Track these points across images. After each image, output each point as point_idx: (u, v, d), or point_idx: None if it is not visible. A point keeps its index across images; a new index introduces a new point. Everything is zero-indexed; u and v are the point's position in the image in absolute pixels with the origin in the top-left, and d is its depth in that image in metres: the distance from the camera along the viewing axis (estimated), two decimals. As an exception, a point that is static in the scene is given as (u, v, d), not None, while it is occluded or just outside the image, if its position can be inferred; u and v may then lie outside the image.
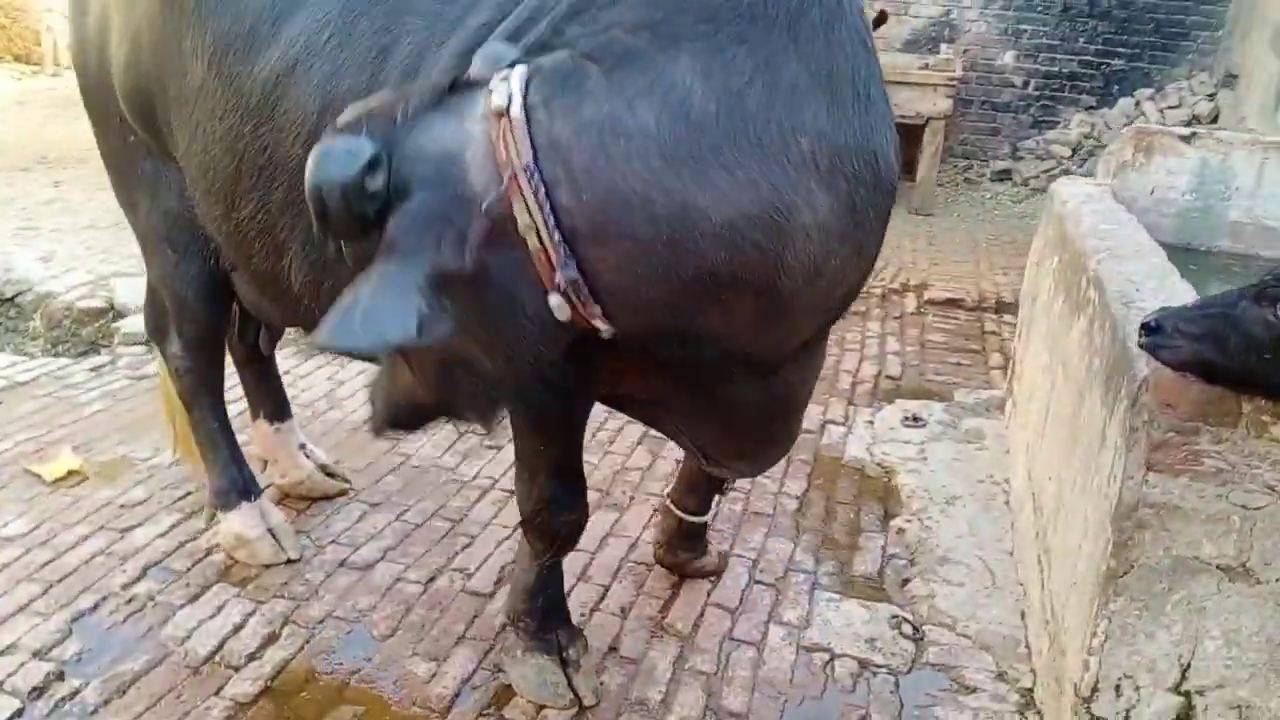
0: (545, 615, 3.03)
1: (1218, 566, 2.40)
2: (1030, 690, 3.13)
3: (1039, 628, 3.22)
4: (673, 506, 3.50)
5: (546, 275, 1.96)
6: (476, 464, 4.34)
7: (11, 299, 5.92)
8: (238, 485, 3.57)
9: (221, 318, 3.41)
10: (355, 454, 4.34)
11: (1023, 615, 3.46)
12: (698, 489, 3.45)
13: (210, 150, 2.76)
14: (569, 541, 2.95)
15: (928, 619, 3.47)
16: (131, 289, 5.93)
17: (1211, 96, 10.19)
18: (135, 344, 5.38)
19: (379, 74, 2.43)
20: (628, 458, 4.50)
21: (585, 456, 2.93)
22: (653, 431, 3.81)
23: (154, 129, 2.97)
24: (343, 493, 4.03)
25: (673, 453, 4.40)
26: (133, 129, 3.06)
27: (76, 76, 3.22)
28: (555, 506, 2.86)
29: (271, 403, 3.90)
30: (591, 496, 3.07)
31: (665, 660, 3.20)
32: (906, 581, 3.70)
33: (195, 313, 3.32)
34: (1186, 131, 4.51)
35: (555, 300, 2.00)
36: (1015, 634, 3.38)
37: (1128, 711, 2.57)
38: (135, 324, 5.46)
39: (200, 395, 3.51)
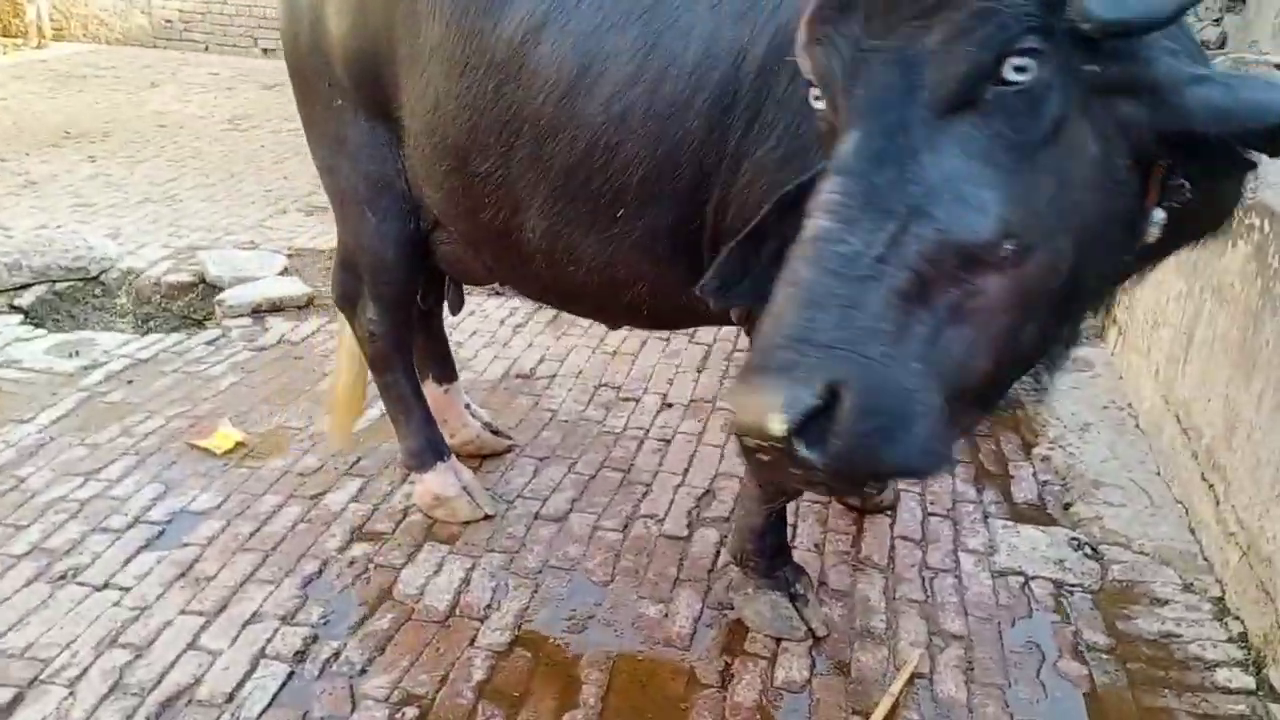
0: (774, 555, 3.17)
1: None
2: (1220, 599, 3.33)
3: (1219, 541, 3.43)
4: None
5: None
6: (621, 416, 4.46)
7: (96, 277, 5.89)
8: (433, 445, 3.66)
9: (418, 279, 3.46)
10: (503, 411, 4.43)
11: (1192, 531, 3.67)
12: None
13: (444, 107, 2.81)
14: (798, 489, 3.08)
15: (1103, 539, 3.66)
16: (223, 262, 5.93)
17: (1218, 21, 10.38)
18: (239, 315, 5.40)
19: (644, 35, 2.50)
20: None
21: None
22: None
23: (377, 90, 3.00)
24: (509, 449, 4.13)
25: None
26: (343, 94, 3.09)
27: (285, 48, 3.23)
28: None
29: (440, 364, 3.98)
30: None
31: (875, 591, 3.36)
32: (1069, 505, 3.89)
33: (395, 273, 3.37)
34: (1284, 61, 4.66)
35: None
36: (1190, 548, 3.59)
37: (1356, 609, 2.77)
38: (238, 296, 5.51)
39: (394, 359, 3.58)
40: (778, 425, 1.38)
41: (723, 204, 2.56)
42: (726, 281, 2.02)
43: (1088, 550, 3.61)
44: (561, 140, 2.65)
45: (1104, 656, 3.10)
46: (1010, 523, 3.77)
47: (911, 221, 1.47)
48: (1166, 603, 3.36)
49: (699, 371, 4.89)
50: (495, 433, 4.13)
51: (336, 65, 3.04)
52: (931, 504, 3.87)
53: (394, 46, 2.89)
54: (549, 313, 5.41)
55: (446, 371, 4.01)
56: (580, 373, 4.85)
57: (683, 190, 2.59)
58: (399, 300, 3.49)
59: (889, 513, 3.78)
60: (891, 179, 1.49)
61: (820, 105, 1.71)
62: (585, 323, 5.24)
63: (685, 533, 3.64)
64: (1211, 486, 3.58)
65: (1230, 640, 3.16)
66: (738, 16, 2.42)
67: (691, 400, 4.61)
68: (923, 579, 3.44)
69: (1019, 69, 1.49)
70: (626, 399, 4.61)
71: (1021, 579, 3.46)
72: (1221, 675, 3.03)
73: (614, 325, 3.48)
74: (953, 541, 3.65)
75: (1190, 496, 3.76)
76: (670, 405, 4.56)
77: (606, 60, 2.55)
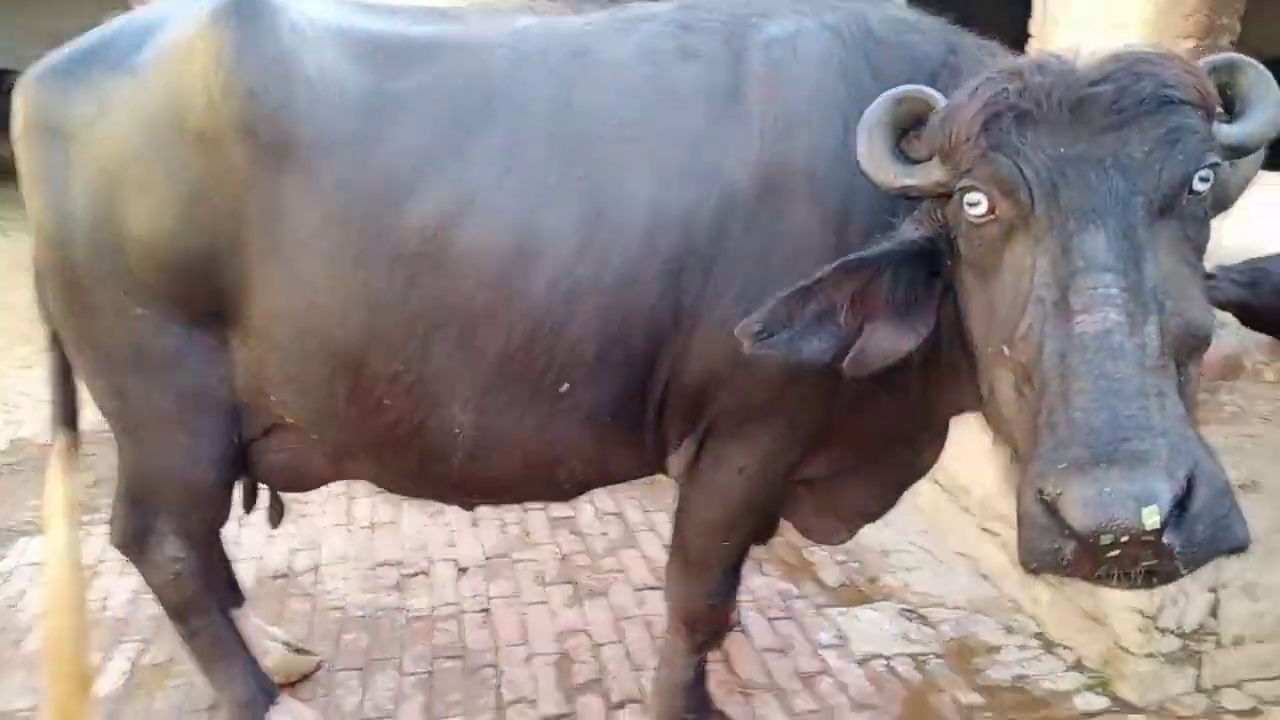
0: (703, 704, 3.06)
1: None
2: (1041, 634, 3.78)
3: (1023, 583, 3.88)
4: None
5: None
6: (419, 595, 4.04)
7: None
8: (264, 689, 3.07)
9: (231, 500, 2.92)
10: (282, 621, 3.82)
11: (985, 577, 4.11)
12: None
13: (327, 306, 2.43)
14: (724, 631, 3.03)
15: (920, 603, 3.99)
16: None
17: None
18: None
19: (586, 208, 2.37)
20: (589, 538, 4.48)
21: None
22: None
23: (207, 293, 2.51)
24: (317, 667, 3.58)
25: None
26: (148, 301, 2.55)
27: (43, 254, 2.57)
28: (726, 597, 2.95)
29: (226, 589, 3.36)
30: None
31: (776, 712, 3.36)
32: (874, 579, 4.19)
33: (211, 499, 2.81)
34: None
35: None
36: (992, 594, 4.03)
37: (1179, 616, 3.29)
38: None
39: (204, 599, 2.95)
40: (1152, 518, 1.42)
41: (679, 363, 2.47)
42: (768, 329, 2.04)
43: (917, 617, 3.90)
44: (498, 327, 2.42)
45: (987, 715, 3.36)
46: (842, 608, 3.97)
47: (1165, 315, 1.63)
48: (1000, 648, 3.73)
49: (473, 526, 4.59)
50: (298, 651, 3.56)
51: (141, 268, 2.50)
52: (770, 609, 3.96)
53: (241, 241, 2.43)
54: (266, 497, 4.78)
55: (234, 595, 3.40)
56: (345, 556, 4.34)
57: (635, 357, 2.47)
58: (212, 529, 2.94)
59: (739, 626, 3.81)
60: (1141, 276, 1.64)
61: (978, 210, 1.80)
62: (319, 500, 4.72)
63: (568, 708, 3.38)
64: (997, 534, 4.04)
65: (1070, 669, 3.58)
66: (679, 179, 2.37)
67: (487, 559, 4.31)
68: (806, 687, 3.50)
69: (1203, 179, 1.71)
70: (414, 574, 4.20)
71: (884, 661, 3.64)
72: (1079, 702, 3.42)
73: (509, 502, 3.21)
74: (807, 641, 3.76)
75: (973, 548, 4.22)
76: (465, 570, 4.23)
77: (546, 238, 2.37)
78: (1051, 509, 1.54)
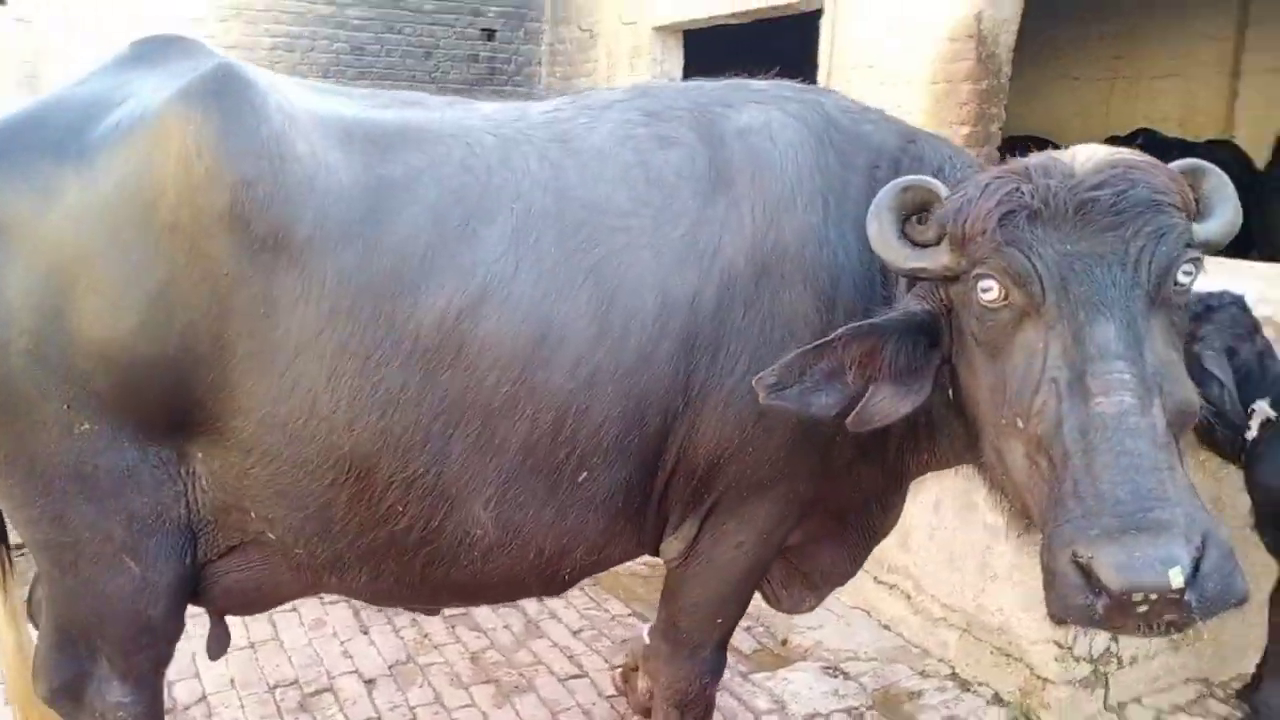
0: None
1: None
2: (954, 674, 4.02)
3: (928, 629, 4.13)
4: None
5: None
6: (330, 713, 3.73)
7: None
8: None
9: (180, 632, 2.60)
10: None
11: (887, 628, 4.33)
12: None
13: (331, 411, 2.24)
14: (712, 709, 3.01)
15: (835, 659, 4.13)
16: None
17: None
18: None
19: (599, 294, 2.35)
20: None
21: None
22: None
23: (172, 404, 2.25)
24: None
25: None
26: (96, 415, 2.24)
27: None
28: (717, 675, 2.94)
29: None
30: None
31: (744, 786, 3.37)
32: (785, 640, 4.30)
33: (163, 633, 2.48)
34: None
35: None
36: (897, 643, 4.25)
37: (1089, 644, 3.62)
38: None
39: (154, 747, 2.60)
40: (1178, 578, 1.62)
41: (689, 441, 2.48)
42: (782, 382, 2.14)
43: (839, 673, 4.04)
44: (521, 419, 2.32)
45: (931, 760, 3.54)
46: (766, 672, 4.04)
47: (1164, 396, 1.82)
48: (921, 692, 3.93)
49: (364, 634, 4.28)
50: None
51: (94, 378, 2.21)
52: (697, 683, 3.95)
53: (224, 343, 2.20)
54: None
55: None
56: (233, 681, 3.92)
57: (649, 438, 2.45)
58: (159, 667, 2.60)
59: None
60: (1144, 362, 1.82)
61: (991, 296, 1.96)
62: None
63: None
64: (894, 587, 4.27)
65: (991, 703, 3.84)
66: (681, 262, 2.40)
67: (391, 667, 4.03)
68: (763, 758, 3.53)
69: (1186, 272, 1.92)
70: (319, 691, 3.86)
71: (824, 719, 3.74)
72: (1008, 734, 3.66)
73: (498, 602, 3.03)
74: (748, 710, 3.79)
75: (869, 601, 4.42)
76: (373, 681, 3.94)
77: (564, 325, 2.32)
78: (1085, 571, 1.70)
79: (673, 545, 2.69)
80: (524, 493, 2.41)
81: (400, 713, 3.73)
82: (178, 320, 2.17)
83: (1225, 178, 2.10)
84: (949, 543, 4.01)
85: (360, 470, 2.31)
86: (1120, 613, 1.68)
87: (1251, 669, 3.71)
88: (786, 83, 2.76)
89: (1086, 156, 2.00)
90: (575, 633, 4.32)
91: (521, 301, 2.29)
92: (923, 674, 4.05)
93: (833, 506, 2.77)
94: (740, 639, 4.28)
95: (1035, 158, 2.06)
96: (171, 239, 2.15)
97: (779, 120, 2.54)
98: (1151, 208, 1.89)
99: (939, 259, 2.07)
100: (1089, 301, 1.85)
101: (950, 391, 2.24)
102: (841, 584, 3.14)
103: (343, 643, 4.21)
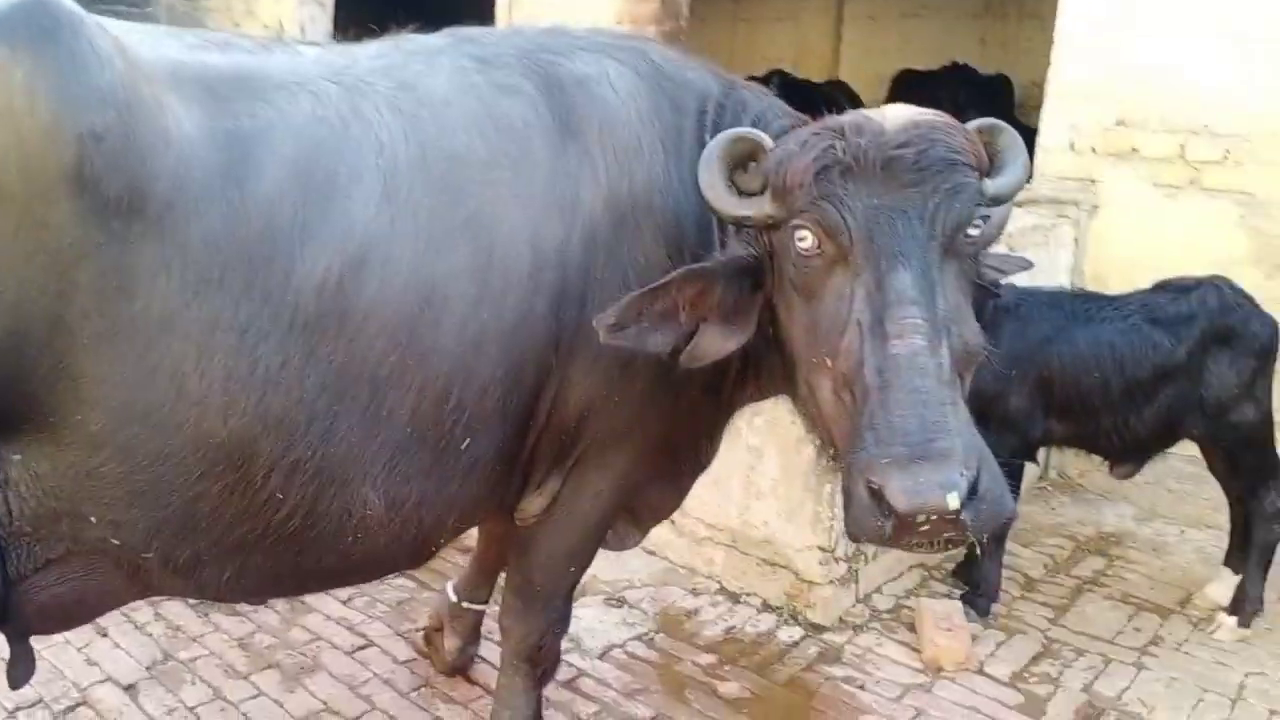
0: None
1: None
2: (723, 589, 4.31)
3: (692, 548, 4.39)
4: (469, 604, 3.56)
5: None
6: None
7: None
8: None
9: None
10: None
11: (652, 552, 4.53)
12: (490, 579, 3.58)
13: (202, 394, 1.98)
14: (558, 660, 3.04)
15: (612, 591, 4.29)
16: None
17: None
18: None
19: (478, 251, 2.25)
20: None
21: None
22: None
23: (10, 397, 1.87)
24: None
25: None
26: None
27: None
28: (565, 624, 2.96)
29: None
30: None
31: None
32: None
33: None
34: None
35: None
36: (662, 565, 4.47)
37: (846, 545, 4.04)
38: None
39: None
40: (955, 501, 1.88)
41: (560, 397, 2.46)
42: (621, 323, 2.22)
43: (623, 603, 4.20)
44: (409, 389, 2.20)
45: (726, 668, 3.80)
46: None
47: (952, 338, 2.06)
48: (698, 610, 4.20)
49: (103, 637, 3.77)
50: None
51: None
52: (488, 633, 3.94)
53: (64, 325, 1.86)
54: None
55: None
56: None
57: (525, 398, 2.40)
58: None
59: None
60: (936, 307, 2.05)
61: (806, 245, 2.11)
62: None
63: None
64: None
65: (762, 611, 4.18)
66: (546, 214, 2.34)
67: (150, 667, 3.59)
68: (574, 692, 3.61)
69: (975, 226, 2.17)
70: (72, 707, 3.35)
71: (621, 649, 3.89)
72: (782, 635, 4.03)
73: (369, 580, 2.81)
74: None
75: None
76: (133, 686, 3.49)
77: (446, 285, 2.20)
78: (877, 495, 1.92)
79: (534, 502, 2.67)
80: (411, 466, 2.28)
81: (179, 715, 3.37)
82: (4, 301, 1.81)
83: (1017, 136, 2.38)
84: (714, 466, 4.25)
85: (237, 459, 2.07)
86: (906, 531, 1.90)
87: (960, 549, 4.33)
88: (603, 30, 2.76)
89: (894, 116, 2.19)
90: (345, 602, 4.11)
91: (402, 262, 2.15)
92: (694, 592, 4.31)
93: (675, 445, 2.86)
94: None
95: (850, 115, 2.22)
96: None
97: (615, 69, 2.54)
98: (949, 166, 2.09)
99: (762, 208, 2.19)
100: (890, 251, 2.03)
101: (771, 330, 2.39)
102: (666, 518, 3.26)
103: (80, 649, 3.70)
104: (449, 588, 3.64)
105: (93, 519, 2.06)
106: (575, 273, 2.37)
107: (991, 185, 2.22)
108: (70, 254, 1.83)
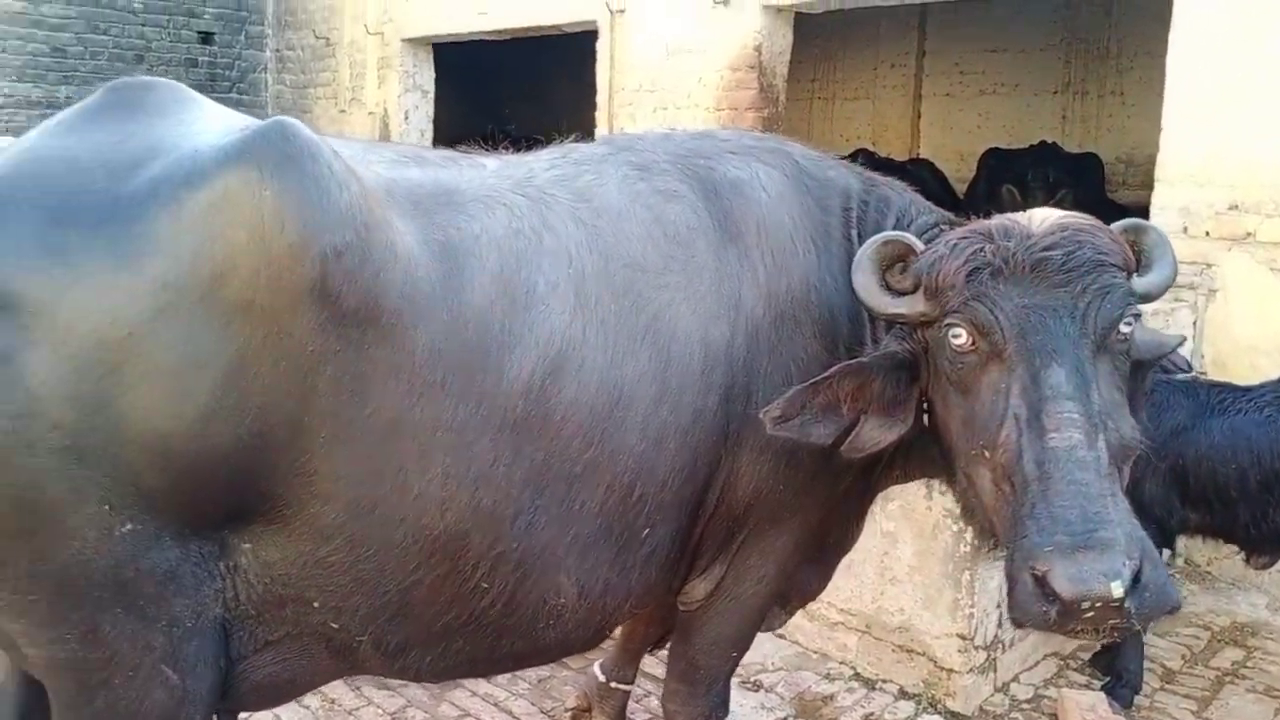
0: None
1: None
2: (857, 674, 4.33)
3: (826, 633, 4.42)
4: (617, 684, 3.64)
5: None
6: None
7: None
8: None
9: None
10: None
11: (781, 636, 4.57)
12: (636, 659, 3.66)
13: (425, 489, 2.15)
14: None
15: (748, 675, 4.32)
16: None
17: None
18: None
19: (657, 352, 2.40)
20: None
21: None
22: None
23: (235, 495, 2.03)
24: None
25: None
26: (141, 514, 1.97)
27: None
28: (724, 710, 3.03)
29: None
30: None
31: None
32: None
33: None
34: None
35: None
36: (795, 650, 4.49)
37: (985, 633, 4.06)
38: None
39: None
40: (1119, 589, 1.94)
41: (729, 486, 2.59)
42: (785, 415, 2.35)
43: (758, 687, 4.24)
44: (598, 485, 2.35)
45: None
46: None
47: (1108, 431, 2.13)
48: (833, 696, 4.22)
49: (266, 710, 3.92)
50: None
51: (144, 472, 1.96)
52: (633, 713, 4.00)
53: (304, 427, 2.03)
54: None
55: None
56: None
57: (699, 488, 2.55)
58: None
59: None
60: (1091, 402, 2.13)
61: (960, 341, 2.24)
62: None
63: None
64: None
65: (899, 699, 4.18)
66: (714, 315, 2.49)
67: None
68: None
69: (1127, 324, 2.25)
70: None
71: (761, 734, 3.93)
72: (922, 724, 4.02)
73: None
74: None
75: (762, 612, 4.65)
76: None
77: (631, 387, 2.36)
78: (1041, 582, 2.00)
79: (699, 587, 2.79)
80: (599, 556, 2.43)
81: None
82: (251, 406, 1.97)
83: (1163, 234, 2.48)
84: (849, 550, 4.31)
85: (450, 550, 2.23)
86: (1070, 618, 1.98)
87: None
88: (746, 132, 2.91)
89: (1041, 219, 2.31)
90: (490, 679, 4.21)
91: (594, 366, 2.32)
92: (828, 677, 4.34)
93: (826, 527, 2.94)
94: (651, 666, 4.37)
95: (997, 219, 2.35)
96: (245, 318, 1.94)
97: (764, 171, 2.70)
98: (1096, 267, 2.20)
99: (915, 306, 2.33)
100: (1043, 349, 2.14)
101: (926, 420, 2.49)
102: (813, 600, 3.33)
103: (243, 723, 3.84)
104: (596, 668, 3.72)
105: (316, 604, 2.21)
106: (741, 369, 2.52)
107: (1141, 283, 2.32)
108: (311, 361, 2.00)
